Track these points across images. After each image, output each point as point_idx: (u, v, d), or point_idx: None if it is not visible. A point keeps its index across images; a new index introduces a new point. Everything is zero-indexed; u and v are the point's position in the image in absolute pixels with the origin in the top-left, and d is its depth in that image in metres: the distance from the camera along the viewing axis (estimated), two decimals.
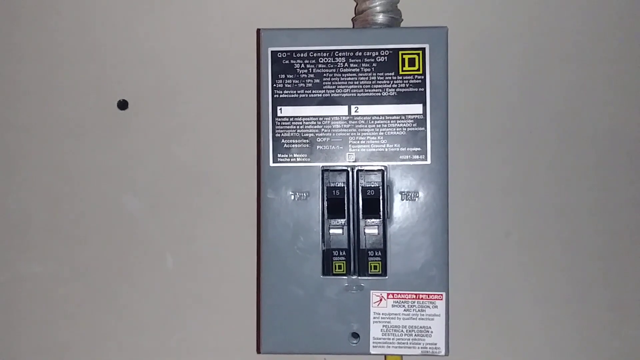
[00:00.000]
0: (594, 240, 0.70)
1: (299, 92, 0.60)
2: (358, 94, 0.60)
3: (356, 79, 0.60)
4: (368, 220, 0.60)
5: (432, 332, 0.59)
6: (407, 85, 0.59)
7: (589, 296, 0.70)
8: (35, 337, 0.71)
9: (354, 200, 0.60)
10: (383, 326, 0.60)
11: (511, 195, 0.70)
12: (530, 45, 0.70)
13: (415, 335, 0.59)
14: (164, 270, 0.71)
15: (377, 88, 0.59)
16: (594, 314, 0.70)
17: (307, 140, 0.60)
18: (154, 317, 0.71)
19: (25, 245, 0.71)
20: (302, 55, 0.60)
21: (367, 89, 0.60)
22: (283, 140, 0.60)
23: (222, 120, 0.70)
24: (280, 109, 0.60)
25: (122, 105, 0.70)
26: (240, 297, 0.70)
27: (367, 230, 0.59)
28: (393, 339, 0.59)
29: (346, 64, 0.59)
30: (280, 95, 0.60)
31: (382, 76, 0.59)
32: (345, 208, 0.60)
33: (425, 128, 0.59)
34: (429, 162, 0.59)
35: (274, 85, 0.60)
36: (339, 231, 0.60)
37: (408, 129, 0.59)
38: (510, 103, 0.69)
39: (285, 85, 0.60)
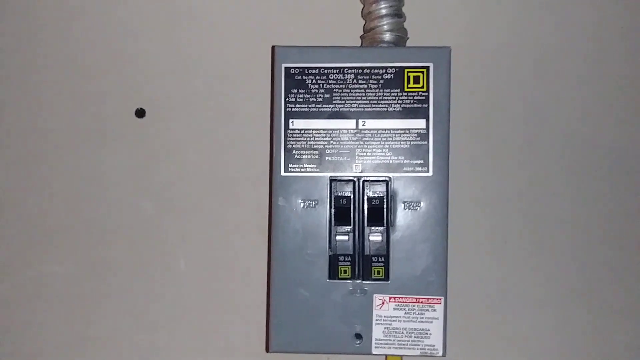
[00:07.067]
0: (588, 248, 0.71)
1: (310, 106, 0.62)
2: (365, 109, 0.62)
3: (364, 94, 0.62)
4: (372, 227, 0.61)
5: (430, 334, 0.61)
6: (411, 102, 0.61)
7: (582, 301, 0.71)
8: (54, 333, 0.72)
9: (360, 209, 0.62)
10: (385, 328, 0.61)
11: (508, 204, 0.71)
12: (529, 62, 0.71)
13: (414, 337, 0.61)
14: (177, 271, 0.71)
15: (384, 103, 0.62)
16: (587, 319, 0.71)
17: (317, 152, 0.62)
18: (167, 317, 0.72)
19: (45, 245, 0.72)
20: (313, 71, 0.62)
21: (374, 104, 0.62)
22: (294, 151, 0.62)
23: (235, 130, 0.71)
24: (292, 121, 0.62)
25: (140, 113, 0.71)
26: (250, 298, 0.71)
27: (372, 237, 0.61)
28: (394, 340, 0.61)
29: (355, 81, 0.62)
30: (293, 109, 0.62)
31: (388, 92, 0.62)
32: (352, 216, 0.62)
33: (428, 142, 0.61)
34: (430, 173, 0.61)
35: (287, 99, 0.62)
36: (345, 238, 0.61)
37: (412, 143, 0.61)
38: (508, 118, 0.71)
39: (297, 100, 0.62)
